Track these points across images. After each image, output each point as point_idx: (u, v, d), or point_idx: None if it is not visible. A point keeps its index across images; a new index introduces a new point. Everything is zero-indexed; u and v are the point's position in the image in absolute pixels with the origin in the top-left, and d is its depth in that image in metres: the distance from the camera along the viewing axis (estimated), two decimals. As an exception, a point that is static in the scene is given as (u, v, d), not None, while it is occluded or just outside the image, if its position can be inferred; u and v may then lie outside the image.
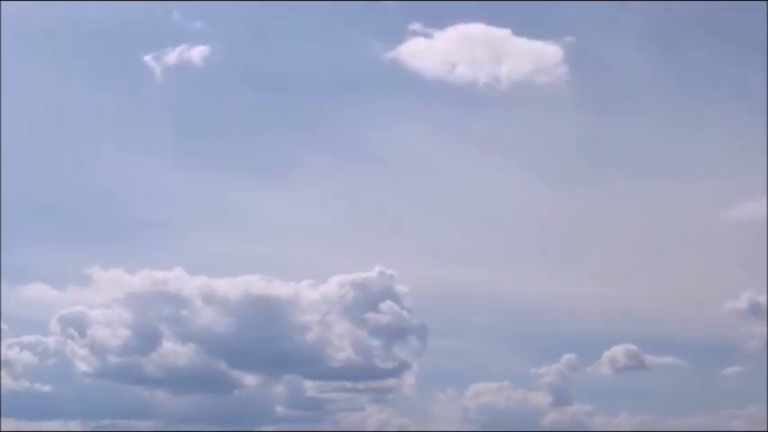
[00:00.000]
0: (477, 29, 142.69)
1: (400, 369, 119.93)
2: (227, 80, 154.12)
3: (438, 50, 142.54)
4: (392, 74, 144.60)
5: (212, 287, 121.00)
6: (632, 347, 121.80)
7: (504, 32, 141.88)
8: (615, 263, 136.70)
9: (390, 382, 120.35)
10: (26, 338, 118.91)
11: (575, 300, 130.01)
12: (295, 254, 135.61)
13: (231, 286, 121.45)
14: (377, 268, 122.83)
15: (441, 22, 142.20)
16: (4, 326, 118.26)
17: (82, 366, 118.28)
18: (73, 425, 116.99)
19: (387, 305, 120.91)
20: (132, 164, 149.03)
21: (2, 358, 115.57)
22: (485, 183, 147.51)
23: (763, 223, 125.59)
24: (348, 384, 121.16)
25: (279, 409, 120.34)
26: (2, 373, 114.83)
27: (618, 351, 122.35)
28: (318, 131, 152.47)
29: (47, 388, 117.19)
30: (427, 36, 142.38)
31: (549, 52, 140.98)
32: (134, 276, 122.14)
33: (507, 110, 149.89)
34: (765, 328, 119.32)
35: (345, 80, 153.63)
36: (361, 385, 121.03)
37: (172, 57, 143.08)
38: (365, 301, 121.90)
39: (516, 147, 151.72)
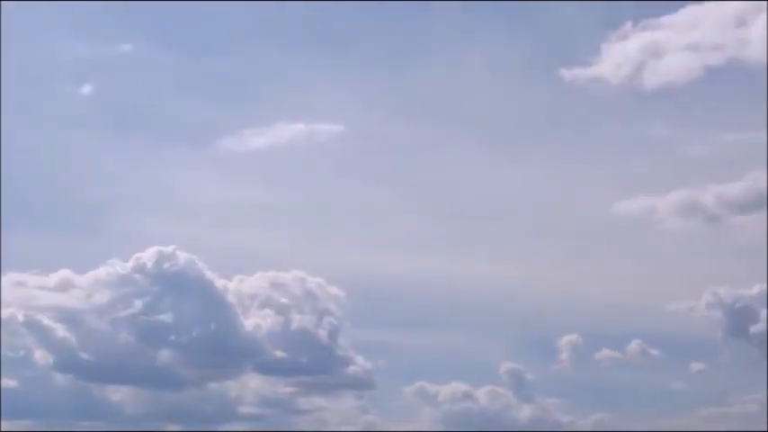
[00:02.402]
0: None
1: (361, 366, 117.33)
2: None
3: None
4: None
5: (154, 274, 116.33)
6: (582, 339, 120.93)
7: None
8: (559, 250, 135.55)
9: (352, 379, 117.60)
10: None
11: (531, 288, 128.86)
12: (237, 241, 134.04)
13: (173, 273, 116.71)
14: (323, 256, 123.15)
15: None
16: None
17: (27, 364, 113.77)
18: (26, 424, 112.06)
19: (338, 297, 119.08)
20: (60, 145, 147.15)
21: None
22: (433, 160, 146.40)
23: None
24: (307, 380, 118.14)
25: (238, 406, 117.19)
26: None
27: (572, 343, 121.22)
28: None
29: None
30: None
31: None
32: (66, 265, 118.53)
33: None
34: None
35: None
36: (320, 381, 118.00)
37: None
38: (316, 292, 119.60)
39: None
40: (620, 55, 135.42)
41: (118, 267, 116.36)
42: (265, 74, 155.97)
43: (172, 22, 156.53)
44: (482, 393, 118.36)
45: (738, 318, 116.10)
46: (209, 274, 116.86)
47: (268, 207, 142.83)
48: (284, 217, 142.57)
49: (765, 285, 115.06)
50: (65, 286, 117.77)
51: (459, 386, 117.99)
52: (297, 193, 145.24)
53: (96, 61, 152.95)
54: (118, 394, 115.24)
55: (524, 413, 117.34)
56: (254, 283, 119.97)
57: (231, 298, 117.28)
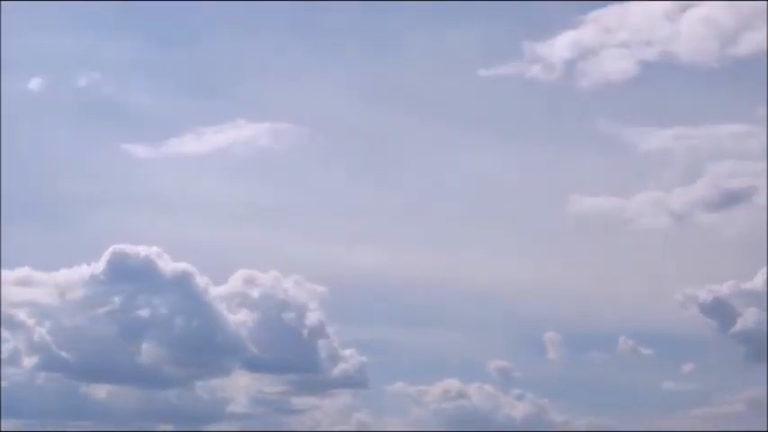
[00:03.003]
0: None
1: (352, 364, 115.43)
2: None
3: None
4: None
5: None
6: (568, 338, 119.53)
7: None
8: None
9: (342, 378, 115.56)
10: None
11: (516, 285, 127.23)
12: (216, 239, 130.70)
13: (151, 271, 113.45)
14: (306, 254, 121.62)
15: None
16: None
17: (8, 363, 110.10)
18: (15, 424, 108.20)
19: (323, 295, 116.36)
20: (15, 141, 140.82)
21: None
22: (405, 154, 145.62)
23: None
24: (296, 378, 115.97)
25: (228, 405, 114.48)
26: None
27: (556, 341, 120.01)
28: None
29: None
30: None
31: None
32: (31, 262, 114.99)
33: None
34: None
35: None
36: (309, 380, 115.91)
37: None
38: (300, 290, 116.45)
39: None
40: (555, 53, 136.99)
41: (84, 266, 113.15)
42: (227, 69, 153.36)
43: (128, 14, 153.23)
44: (473, 392, 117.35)
45: (722, 316, 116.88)
46: (189, 272, 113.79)
47: (243, 204, 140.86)
48: (265, 215, 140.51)
49: (745, 281, 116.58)
50: (31, 282, 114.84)
51: (450, 384, 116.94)
52: (274, 191, 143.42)
53: (45, 55, 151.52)
54: (102, 392, 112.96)
55: (518, 412, 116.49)
56: (235, 280, 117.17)
57: (212, 296, 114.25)
